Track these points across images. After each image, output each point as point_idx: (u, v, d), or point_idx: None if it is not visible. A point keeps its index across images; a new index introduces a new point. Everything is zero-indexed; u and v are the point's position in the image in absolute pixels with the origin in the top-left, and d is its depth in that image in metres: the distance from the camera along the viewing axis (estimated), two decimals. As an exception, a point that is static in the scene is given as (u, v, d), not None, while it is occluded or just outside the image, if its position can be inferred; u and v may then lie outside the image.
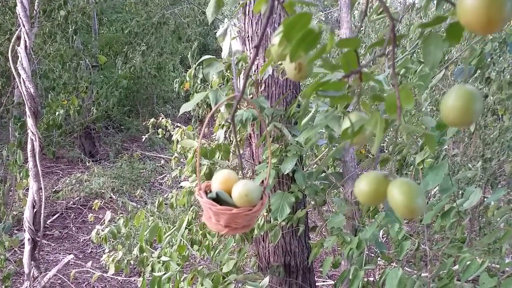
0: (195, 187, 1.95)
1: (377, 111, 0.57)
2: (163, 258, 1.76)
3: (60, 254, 4.07)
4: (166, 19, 6.23)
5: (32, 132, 2.17)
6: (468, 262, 1.51)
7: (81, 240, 4.42)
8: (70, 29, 4.72)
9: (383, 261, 2.26)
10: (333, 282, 3.35)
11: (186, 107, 1.57)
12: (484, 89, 3.53)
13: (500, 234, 1.89)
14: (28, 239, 2.17)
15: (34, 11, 4.17)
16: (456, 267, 2.48)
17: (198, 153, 0.80)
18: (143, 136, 3.20)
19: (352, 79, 0.61)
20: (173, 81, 7.08)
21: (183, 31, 6.65)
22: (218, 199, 0.81)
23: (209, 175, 1.88)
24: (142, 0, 6.55)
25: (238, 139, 2.16)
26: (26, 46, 2.17)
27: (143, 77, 7.04)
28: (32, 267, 2.20)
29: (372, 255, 2.09)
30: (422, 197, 0.58)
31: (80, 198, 5.27)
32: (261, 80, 1.89)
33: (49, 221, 4.73)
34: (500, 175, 3.80)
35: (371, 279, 2.32)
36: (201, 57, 1.90)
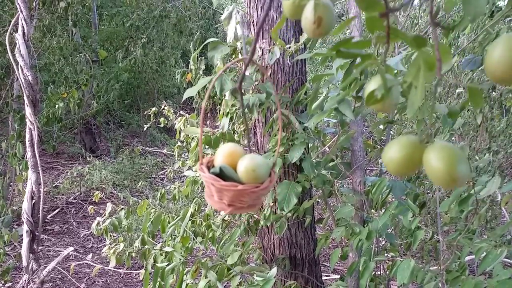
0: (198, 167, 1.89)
1: (422, 53, 0.50)
2: (166, 249, 1.71)
3: (60, 249, 4.02)
4: (167, 12, 6.15)
5: (31, 122, 2.11)
6: (484, 253, 1.46)
7: (82, 235, 4.37)
8: (70, 22, 4.65)
9: (389, 254, 2.20)
10: (337, 276, 3.30)
11: (189, 92, 1.51)
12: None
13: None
14: (27, 231, 2.11)
15: (34, 3, 4.10)
16: (467, 258, 2.41)
17: (201, 119, 0.73)
18: (144, 125, 3.14)
19: (376, 36, 0.54)
20: (174, 76, 7.01)
21: (184, 24, 6.57)
22: (222, 175, 0.72)
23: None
24: (143, -8, 6.48)
25: (243, 128, 2.10)
26: (24, 33, 2.11)
27: (144, 72, 6.97)
28: (30, 260, 2.14)
29: (378, 248, 2.03)
30: (465, 162, 0.50)
31: (80, 193, 5.23)
32: (267, 66, 1.82)
33: (50, 216, 4.68)
34: (506, 167, 3.75)
35: (378, 272, 2.26)
36: (201, 51, 1.83)
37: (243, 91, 1.79)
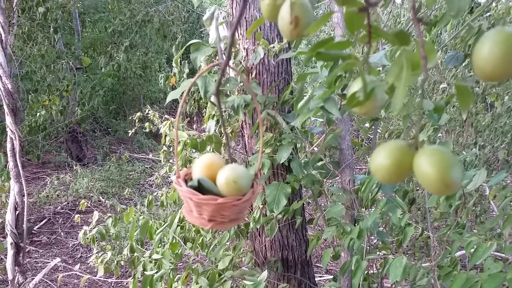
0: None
1: (405, 51, 0.48)
2: (155, 256, 1.67)
3: (48, 260, 3.93)
4: (150, 17, 6.10)
5: (11, 131, 2.05)
6: (474, 248, 1.45)
7: (70, 245, 4.28)
8: (51, 28, 4.58)
9: (381, 252, 2.19)
10: (331, 277, 3.28)
11: (173, 95, 1.49)
12: (475, 76, 3.50)
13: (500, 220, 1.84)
14: (11, 244, 2.05)
15: (13, 10, 4.02)
16: (458, 253, 2.41)
17: (176, 131, 0.71)
18: (129, 131, 3.09)
19: (359, 36, 0.52)
20: (159, 81, 6.94)
21: (168, 29, 6.53)
22: (200, 188, 0.67)
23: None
24: (125, -2, 6.42)
25: (230, 130, 2.08)
26: (1, 40, 2.06)
27: (129, 78, 6.88)
28: (16, 273, 2.08)
29: (370, 247, 2.02)
30: (459, 167, 0.47)
31: (68, 203, 5.14)
32: (251, 67, 1.81)
33: (37, 227, 4.58)
34: (493, 162, 3.79)
35: (370, 271, 2.25)
36: (186, 55, 1.80)
37: (228, 92, 1.77)
